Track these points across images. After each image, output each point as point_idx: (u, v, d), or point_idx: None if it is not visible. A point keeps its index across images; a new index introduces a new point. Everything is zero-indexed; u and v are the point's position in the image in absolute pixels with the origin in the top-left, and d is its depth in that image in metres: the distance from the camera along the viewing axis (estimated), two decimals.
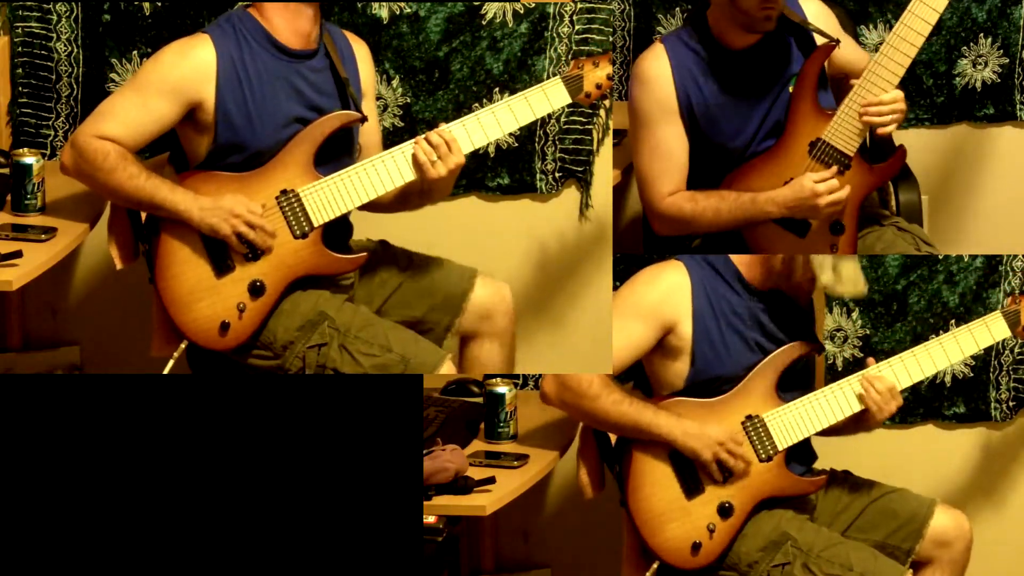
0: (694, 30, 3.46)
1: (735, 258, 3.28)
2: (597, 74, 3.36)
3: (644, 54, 3.48)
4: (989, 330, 3.39)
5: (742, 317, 3.26)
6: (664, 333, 3.23)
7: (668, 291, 3.23)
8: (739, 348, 3.25)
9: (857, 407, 3.28)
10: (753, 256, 3.31)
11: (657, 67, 3.43)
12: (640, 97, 3.45)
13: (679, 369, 3.25)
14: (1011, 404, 3.94)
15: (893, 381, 3.29)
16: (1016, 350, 3.91)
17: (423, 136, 3.26)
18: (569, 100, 3.35)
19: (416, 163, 3.26)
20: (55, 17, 3.68)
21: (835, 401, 3.28)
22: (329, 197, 3.27)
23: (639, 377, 3.33)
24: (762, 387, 3.25)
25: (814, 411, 3.28)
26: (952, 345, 3.35)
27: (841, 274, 3.19)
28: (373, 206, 3.36)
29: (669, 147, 3.45)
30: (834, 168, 3.40)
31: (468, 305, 3.40)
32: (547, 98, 3.35)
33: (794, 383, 3.29)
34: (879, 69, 3.37)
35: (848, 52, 3.50)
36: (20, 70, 3.70)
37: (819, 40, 3.46)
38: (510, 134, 3.85)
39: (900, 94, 3.37)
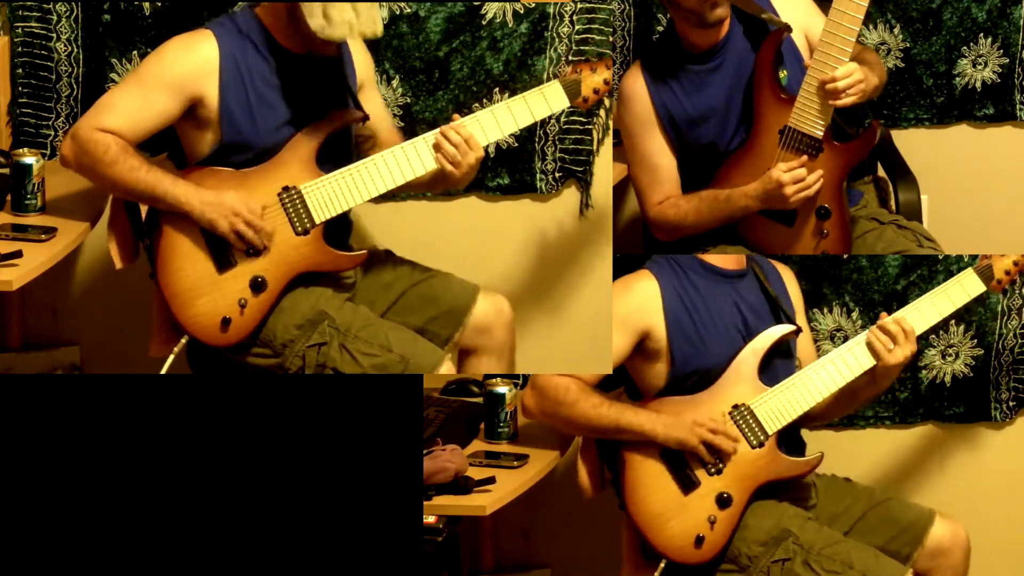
0: (666, 42, 3.55)
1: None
2: (595, 79, 3.39)
3: (625, 74, 3.59)
4: (963, 287, 3.38)
5: (717, 305, 3.27)
6: (639, 339, 3.26)
7: (639, 301, 3.27)
8: (717, 337, 3.28)
9: (842, 382, 3.28)
10: (720, 250, 3.36)
11: (634, 85, 3.55)
12: (622, 115, 3.58)
13: (659, 370, 3.28)
14: (1011, 404, 3.93)
15: (909, 324, 3.27)
16: (1016, 350, 3.91)
17: (441, 131, 3.27)
18: (568, 104, 3.39)
19: (443, 160, 3.27)
20: (55, 17, 3.68)
21: (819, 379, 3.29)
22: (331, 194, 3.27)
23: (627, 383, 3.35)
24: (744, 376, 3.26)
25: (799, 392, 3.28)
26: (928, 306, 3.34)
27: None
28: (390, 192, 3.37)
29: (654, 160, 3.55)
30: (803, 158, 3.42)
31: (469, 320, 3.40)
32: (546, 101, 3.37)
33: (777, 368, 3.31)
34: (826, 47, 3.38)
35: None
36: (20, 70, 3.70)
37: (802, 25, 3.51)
38: (509, 134, 3.86)
39: (854, 66, 3.38)
